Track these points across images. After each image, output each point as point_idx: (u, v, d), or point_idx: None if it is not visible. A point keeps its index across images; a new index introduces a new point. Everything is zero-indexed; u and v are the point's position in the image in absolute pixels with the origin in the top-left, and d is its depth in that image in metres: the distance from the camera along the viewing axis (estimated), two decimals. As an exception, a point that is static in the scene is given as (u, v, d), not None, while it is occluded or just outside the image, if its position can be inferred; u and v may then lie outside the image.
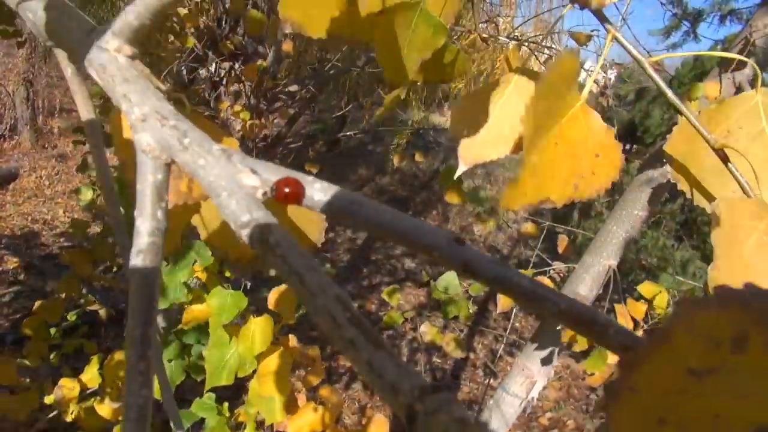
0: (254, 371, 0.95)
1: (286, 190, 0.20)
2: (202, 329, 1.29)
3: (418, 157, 3.64)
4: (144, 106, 0.21)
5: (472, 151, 0.46)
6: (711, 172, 0.39)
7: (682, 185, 0.40)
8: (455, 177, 0.46)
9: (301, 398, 1.03)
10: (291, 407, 0.99)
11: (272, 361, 0.92)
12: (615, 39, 0.42)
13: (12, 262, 4.04)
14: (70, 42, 0.24)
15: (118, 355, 1.25)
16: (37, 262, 4.01)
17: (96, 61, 0.23)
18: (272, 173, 0.20)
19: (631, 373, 0.14)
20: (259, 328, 0.94)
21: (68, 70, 0.30)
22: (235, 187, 0.19)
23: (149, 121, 0.21)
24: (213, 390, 1.21)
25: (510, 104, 0.46)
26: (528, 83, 0.45)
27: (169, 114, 0.21)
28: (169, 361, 1.28)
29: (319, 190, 0.20)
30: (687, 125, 0.39)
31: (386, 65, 0.49)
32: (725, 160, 0.37)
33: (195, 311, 1.06)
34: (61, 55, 0.30)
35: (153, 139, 0.21)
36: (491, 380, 3.70)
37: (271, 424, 1.01)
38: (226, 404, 1.31)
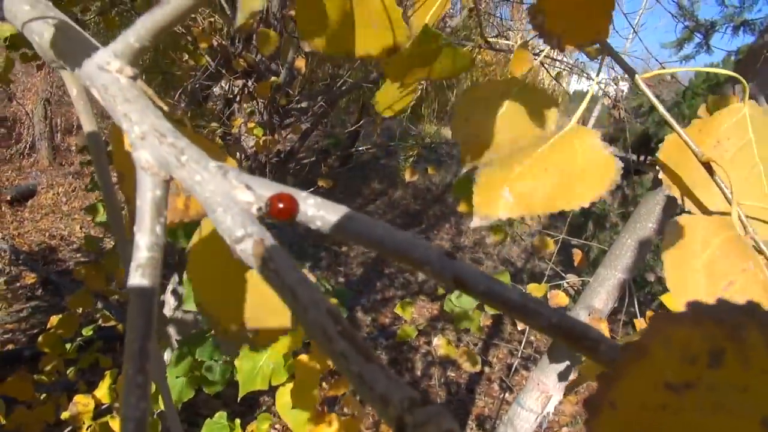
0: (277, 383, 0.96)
1: (280, 205, 0.20)
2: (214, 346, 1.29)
3: (430, 171, 3.65)
4: (143, 125, 0.22)
5: (493, 209, 0.45)
6: (700, 181, 0.40)
7: (674, 192, 0.42)
8: (460, 174, 0.46)
9: (324, 409, 1.04)
10: (317, 419, 0.99)
11: (302, 371, 0.93)
12: (610, 55, 0.43)
13: (30, 278, 4.10)
14: (74, 63, 0.25)
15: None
16: (54, 278, 4.06)
17: (98, 81, 0.24)
18: (266, 189, 0.20)
19: (610, 388, 0.14)
20: (287, 338, 0.95)
21: (73, 90, 0.32)
22: (231, 202, 0.20)
23: (148, 138, 0.22)
24: (225, 406, 1.21)
25: (551, 160, 0.45)
26: (574, 140, 0.44)
27: (167, 132, 0.22)
28: (177, 377, 1.28)
29: (312, 206, 0.21)
30: (675, 137, 0.41)
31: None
32: (711, 172, 0.38)
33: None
34: (66, 75, 0.31)
35: (152, 157, 0.22)
36: (506, 395, 3.67)
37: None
38: (238, 421, 1.31)
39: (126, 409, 0.18)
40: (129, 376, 0.18)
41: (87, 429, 1.33)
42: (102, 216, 1.96)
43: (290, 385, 0.94)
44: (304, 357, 0.95)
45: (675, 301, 0.34)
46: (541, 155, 0.42)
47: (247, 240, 0.19)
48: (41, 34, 0.27)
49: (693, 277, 0.35)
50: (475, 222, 0.43)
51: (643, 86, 0.39)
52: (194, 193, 0.21)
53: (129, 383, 0.18)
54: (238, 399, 1.05)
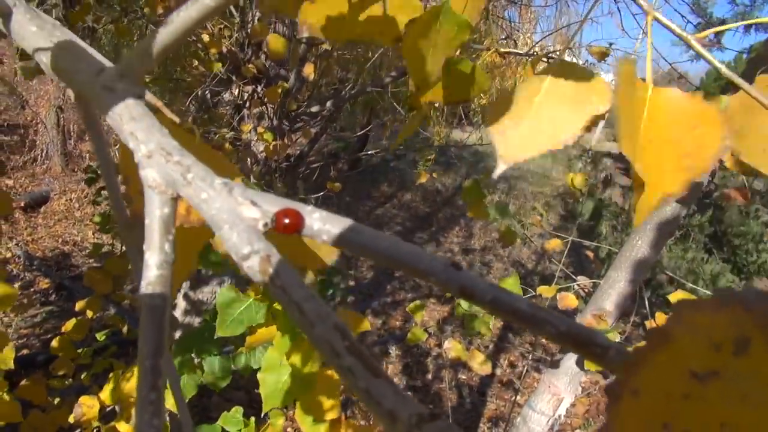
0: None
1: (286, 221, 0.20)
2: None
3: (434, 175, 3.64)
4: (150, 143, 0.22)
5: (510, 149, 0.44)
6: None
7: (746, 157, 0.38)
8: (495, 175, 0.44)
9: (341, 416, 1.03)
10: (334, 427, 0.99)
11: (325, 379, 0.92)
12: (655, 19, 0.41)
13: (44, 283, 4.13)
14: (80, 82, 0.26)
15: (129, 374, 1.27)
16: (67, 283, 4.10)
17: (104, 102, 0.24)
18: (272, 204, 0.21)
19: (633, 376, 0.14)
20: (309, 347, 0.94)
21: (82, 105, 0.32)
22: (236, 219, 0.20)
23: (154, 157, 0.22)
24: (240, 403, 1.21)
25: (548, 98, 0.44)
26: (563, 74, 0.44)
27: (173, 150, 0.22)
28: (180, 375, 1.28)
29: (318, 220, 0.21)
30: (742, 96, 0.38)
31: (413, 69, 0.49)
32: None
33: (262, 333, 1.04)
34: (73, 90, 0.32)
35: (158, 175, 0.22)
36: (518, 397, 3.66)
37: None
38: (253, 419, 1.32)
39: (140, 426, 0.18)
40: (142, 394, 0.18)
41: (93, 430, 1.34)
42: (103, 219, 1.98)
43: (312, 395, 0.93)
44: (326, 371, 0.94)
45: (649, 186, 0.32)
46: (646, 136, 0.39)
47: (254, 257, 0.19)
48: (47, 54, 0.27)
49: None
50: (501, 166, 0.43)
51: (699, 47, 0.37)
52: (200, 210, 0.21)
53: (142, 400, 0.18)
54: (262, 414, 1.04)
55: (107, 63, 0.43)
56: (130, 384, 1.25)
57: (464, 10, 0.49)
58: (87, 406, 1.30)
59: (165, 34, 0.23)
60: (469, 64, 0.54)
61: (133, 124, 0.23)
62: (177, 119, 0.37)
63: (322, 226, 0.21)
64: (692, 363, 0.14)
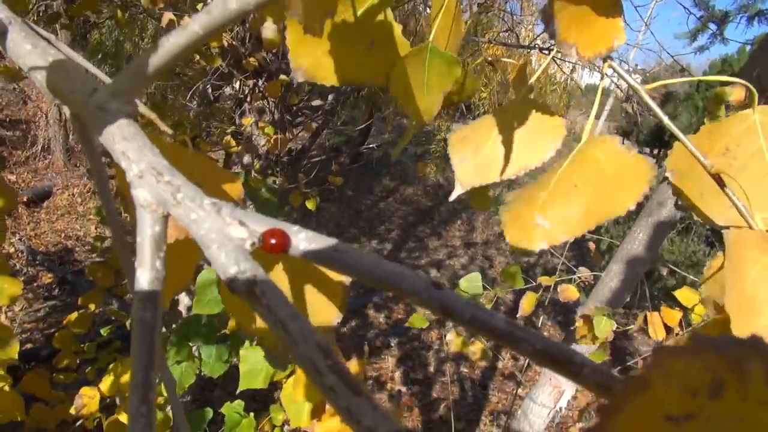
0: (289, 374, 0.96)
1: (272, 241, 0.21)
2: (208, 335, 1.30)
3: (433, 167, 3.63)
4: (141, 163, 0.23)
5: (468, 174, 0.50)
6: (709, 189, 0.40)
7: (683, 199, 0.41)
8: (451, 199, 0.49)
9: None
10: (318, 412, 1.00)
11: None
12: (612, 68, 0.43)
13: (47, 278, 4.15)
14: (74, 102, 0.26)
15: (128, 363, 1.28)
16: (70, 278, 4.11)
17: (97, 121, 0.25)
18: (260, 224, 0.21)
19: (610, 420, 0.14)
20: None
21: (76, 124, 0.32)
22: (225, 239, 0.21)
23: (146, 177, 0.23)
24: (242, 397, 1.22)
25: (517, 130, 0.49)
26: (525, 111, 0.48)
27: (164, 170, 0.23)
28: (178, 362, 1.29)
29: (303, 240, 0.21)
30: (690, 140, 0.40)
31: (408, 109, 0.51)
32: (722, 185, 0.37)
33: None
34: (66, 110, 0.32)
35: (150, 195, 0.22)
36: (519, 390, 3.67)
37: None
38: (252, 414, 1.33)
39: None
40: (134, 407, 0.19)
41: (93, 421, 1.36)
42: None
43: (296, 378, 0.94)
44: None
45: (734, 321, 0.33)
46: (565, 173, 0.43)
47: (241, 277, 0.19)
48: (43, 74, 0.28)
49: (747, 292, 0.34)
50: (458, 189, 0.48)
51: (647, 98, 0.39)
52: (190, 230, 0.21)
53: (134, 413, 0.19)
54: (237, 391, 1.06)
55: (101, 75, 0.44)
56: (129, 374, 1.27)
57: (447, 45, 0.50)
58: (88, 397, 1.31)
59: (155, 58, 0.23)
60: (462, 73, 0.55)
61: (125, 144, 0.23)
62: (170, 131, 0.38)
63: (308, 246, 0.21)
64: (668, 407, 0.14)
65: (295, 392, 0.92)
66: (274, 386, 1.12)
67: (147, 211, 0.22)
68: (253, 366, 0.98)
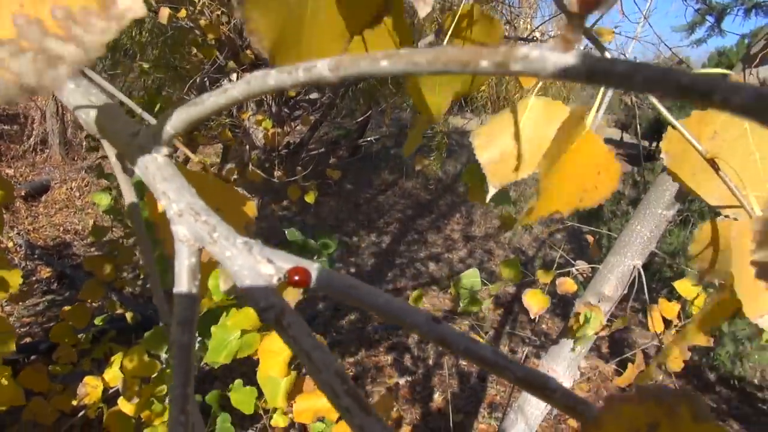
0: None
1: (296, 277, 0.24)
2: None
3: (427, 161, 3.63)
4: (180, 203, 0.26)
5: (498, 174, 0.53)
6: (701, 169, 0.43)
7: (676, 179, 0.45)
8: (487, 200, 0.52)
9: (310, 384, 1.06)
10: (295, 393, 1.03)
11: (274, 342, 0.96)
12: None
13: (45, 272, 4.15)
14: (117, 141, 0.30)
15: (138, 352, 1.29)
16: (69, 272, 4.12)
17: (139, 161, 0.28)
18: (285, 262, 0.24)
19: None
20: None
21: (113, 159, 0.36)
22: (256, 275, 0.24)
23: (185, 216, 0.25)
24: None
25: (526, 128, 0.52)
26: (542, 108, 0.52)
27: (201, 210, 0.26)
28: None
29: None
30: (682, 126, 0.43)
31: (419, 106, 0.56)
32: (716, 168, 0.40)
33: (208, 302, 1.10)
34: (107, 145, 0.36)
35: (188, 232, 0.25)
36: (518, 383, 3.68)
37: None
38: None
39: None
40: (173, 415, 0.22)
41: (96, 411, 1.36)
42: (104, 204, 1.99)
43: (263, 350, 0.98)
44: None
45: (746, 306, 0.36)
46: (562, 164, 0.47)
47: (270, 311, 0.22)
48: (87, 113, 0.31)
49: (755, 282, 0.37)
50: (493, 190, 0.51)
51: (652, 99, 0.41)
52: (224, 265, 0.24)
53: (174, 421, 0.22)
54: (202, 363, 1.10)
55: (134, 107, 0.48)
56: (133, 364, 1.28)
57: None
58: (91, 386, 1.33)
59: (194, 111, 0.26)
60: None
61: (166, 184, 0.26)
62: (192, 155, 0.42)
63: (326, 282, 0.24)
64: None
65: (266, 366, 0.95)
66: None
67: (185, 245, 0.25)
68: (219, 343, 1.04)
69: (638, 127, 3.74)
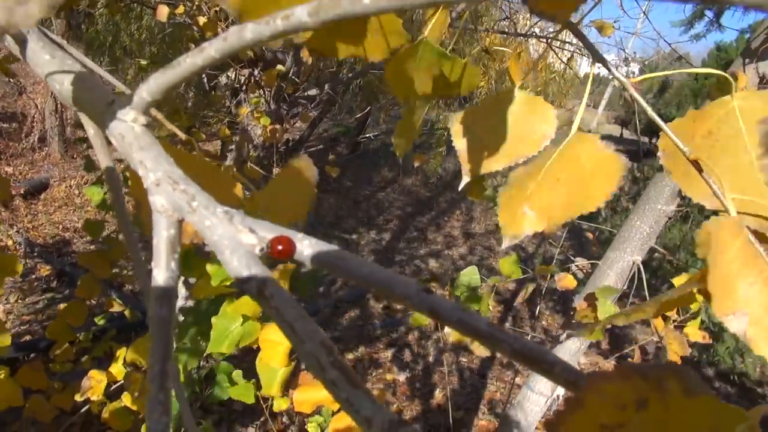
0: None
1: (279, 247, 0.22)
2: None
3: (427, 159, 3.62)
4: (158, 172, 0.25)
5: (473, 163, 0.53)
6: (691, 169, 0.43)
7: (673, 177, 0.45)
8: (459, 189, 0.52)
9: (308, 376, 1.07)
10: (293, 384, 1.04)
11: (274, 331, 0.96)
12: (600, 62, 0.46)
13: (45, 270, 4.15)
14: (93, 111, 0.29)
15: (143, 343, 1.29)
16: (68, 269, 4.11)
17: (115, 130, 0.27)
18: (268, 231, 0.23)
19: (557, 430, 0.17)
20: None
21: (90, 131, 0.35)
22: (236, 245, 0.23)
23: (162, 185, 0.24)
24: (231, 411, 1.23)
25: (507, 120, 0.51)
26: (523, 101, 0.52)
27: (179, 179, 0.25)
28: (184, 344, 1.31)
29: (307, 246, 0.23)
30: (676, 125, 0.44)
31: (398, 89, 0.56)
32: (699, 170, 0.41)
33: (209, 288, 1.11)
34: (84, 118, 0.34)
35: (166, 202, 0.24)
36: (517, 378, 3.68)
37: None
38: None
39: (149, 423, 0.20)
40: (152, 395, 0.21)
41: (98, 405, 1.37)
42: (97, 199, 1.98)
43: (263, 339, 0.98)
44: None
45: (714, 302, 0.36)
46: (551, 168, 0.47)
47: (251, 281, 0.21)
48: (62, 83, 0.30)
49: (726, 272, 0.37)
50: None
51: (632, 91, 0.42)
52: (204, 235, 0.23)
53: (152, 400, 0.21)
54: (204, 353, 1.10)
55: (113, 80, 0.46)
56: (137, 357, 1.28)
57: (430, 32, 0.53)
58: (95, 381, 1.33)
59: (172, 75, 0.25)
60: (460, 66, 0.57)
61: (142, 153, 0.25)
62: (178, 131, 0.41)
63: (311, 251, 0.23)
64: (603, 419, 0.17)
65: (265, 355, 0.96)
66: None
67: (163, 216, 0.24)
68: (221, 332, 1.04)
69: (638, 123, 3.74)
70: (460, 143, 0.52)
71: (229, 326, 1.02)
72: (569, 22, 0.40)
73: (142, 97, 0.26)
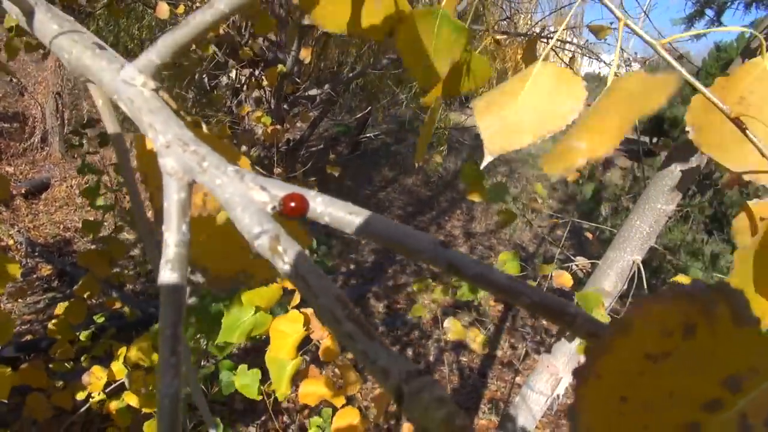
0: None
1: (292, 204, 0.22)
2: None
3: (437, 159, 3.63)
4: (168, 134, 0.24)
5: (496, 141, 0.49)
6: (729, 137, 0.41)
7: (705, 149, 0.43)
8: (482, 167, 0.49)
9: (315, 371, 1.07)
10: (300, 378, 1.03)
11: (285, 322, 0.96)
12: (627, 26, 0.44)
13: (46, 270, 4.15)
14: (102, 78, 0.28)
15: (145, 341, 1.30)
16: (69, 269, 4.11)
17: (125, 94, 0.26)
18: (280, 189, 0.23)
19: (596, 362, 0.16)
20: (270, 291, 1.00)
21: (99, 101, 0.34)
22: (248, 202, 0.22)
23: (172, 147, 0.24)
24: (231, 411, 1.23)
25: (531, 95, 0.49)
26: (550, 75, 0.49)
27: (189, 140, 0.24)
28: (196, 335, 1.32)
29: (320, 204, 0.23)
30: (703, 98, 0.41)
31: (415, 70, 0.54)
32: (742, 128, 0.38)
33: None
34: (92, 88, 0.34)
35: (176, 163, 0.24)
36: (517, 378, 3.68)
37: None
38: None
39: (161, 387, 0.21)
40: (164, 358, 0.21)
41: (97, 405, 1.37)
42: (100, 200, 1.98)
43: (273, 329, 0.98)
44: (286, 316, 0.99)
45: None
46: (598, 104, 0.45)
47: (263, 236, 0.21)
48: (70, 51, 0.30)
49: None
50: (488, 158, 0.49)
51: (662, 52, 0.41)
52: (215, 194, 0.23)
53: (164, 363, 0.21)
54: (215, 342, 1.09)
55: (117, 55, 0.46)
56: (138, 355, 1.28)
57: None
58: (95, 377, 1.33)
59: (180, 35, 0.25)
60: (481, 60, 0.56)
61: (152, 116, 0.25)
62: (178, 107, 0.40)
63: (324, 209, 0.23)
64: (647, 347, 0.16)
65: (274, 347, 0.95)
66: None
67: (173, 178, 0.24)
68: (233, 322, 1.03)
69: (637, 123, 3.74)
70: (483, 122, 0.49)
71: (241, 316, 1.02)
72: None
73: (151, 59, 0.26)
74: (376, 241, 0.22)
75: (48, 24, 0.30)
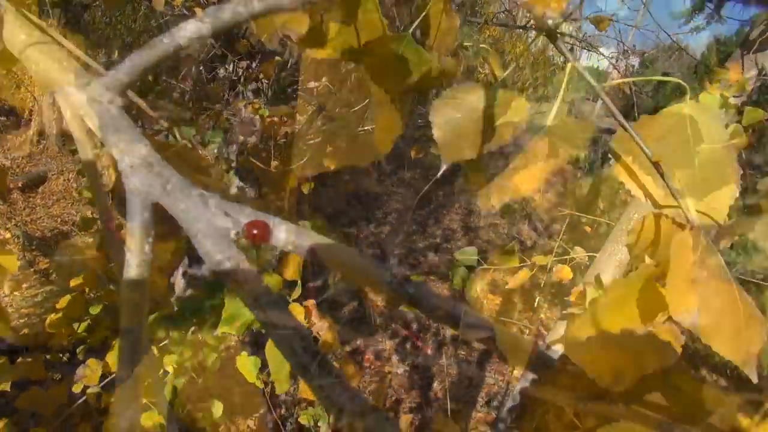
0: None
1: (254, 231, 0.22)
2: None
3: (435, 150, 3.62)
4: (133, 155, 0.24)
5: (449, 151, 0.53)
6: (646, 169, 0.46)
7: (623, 178, 0.48)
8: (437, 176, 0.53)
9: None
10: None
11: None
12: (576, 70, 0.48)
13: (43, 263, 4.15)
14: (68, 93, 0.28)
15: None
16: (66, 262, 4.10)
17: (91, 111, 0.26)
18: (243, 216, 0.23)
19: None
20: (270, 282, 0.99)
21: (67, 113, 0.34)
22: (211, 228, 0.22)
23: (137, 168, 0.24)
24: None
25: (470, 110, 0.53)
26: (500, 96, 0.53)
27: (154, 161, 0.24)
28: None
29: (284, 231, 0.23)
30: (631, 128, 0.46)
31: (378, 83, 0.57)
32: (660, 172, 0.43)
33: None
34: (60, 99, 0.33)
35: (141, 184, 0.24)
36: (515, 371, 3.69)
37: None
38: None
39: (119, 375, 0.21)
40: (124, 356, 0.22)
41: (94, 396, 1.37)
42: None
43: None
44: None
45: (670, 301, 0.40)
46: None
47: (225, 263, 0.21)
48: (37, 63, 0.30)
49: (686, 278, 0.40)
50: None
51: (604, 96, 0.44)
52: (179, 218, 0.23)
53: (123, 361, 0.21)
54: (215, 333, 1.09)
55: (94, 65, 0.45)
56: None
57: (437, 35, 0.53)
58: (91, 369, 1.33)
59: (147, 56, 0.25)
60: (434, 59, 0.59)
61: (118, 135, 0.25)
62: (155, 115, 0.40)
63: (288, 237, 0.23)
64: None
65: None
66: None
67: (138, 198, 0.23)
68: (233, 313, 1.03)
69: (636, 116, 3.72)
70: (438, 132, 0.52)
71: (242, 306, 1.02)
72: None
73: (119, 78, 0.25)
74: (340, 270, 0.22)
75: (17, 33, 0.30)
